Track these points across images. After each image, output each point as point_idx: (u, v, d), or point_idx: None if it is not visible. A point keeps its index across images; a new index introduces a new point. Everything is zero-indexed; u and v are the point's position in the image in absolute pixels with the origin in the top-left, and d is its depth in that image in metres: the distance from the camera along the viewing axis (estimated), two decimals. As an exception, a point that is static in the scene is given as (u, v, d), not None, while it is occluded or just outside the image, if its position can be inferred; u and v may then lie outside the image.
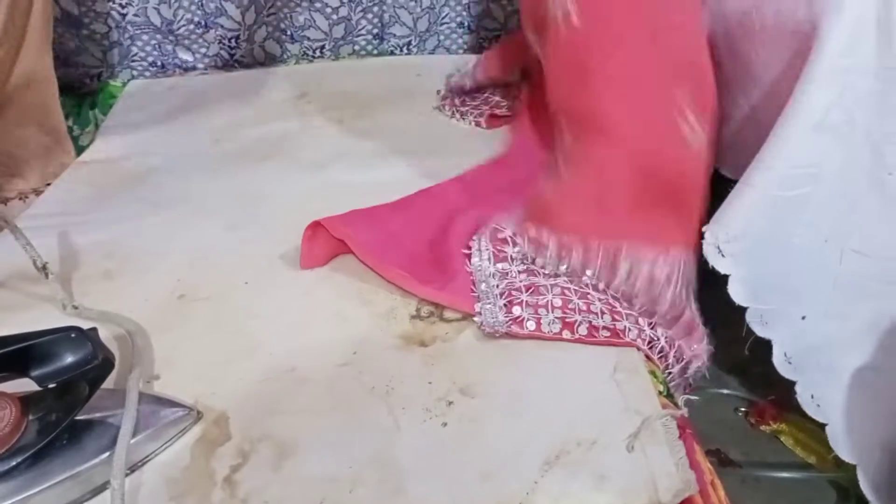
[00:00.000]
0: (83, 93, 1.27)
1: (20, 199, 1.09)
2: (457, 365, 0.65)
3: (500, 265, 0.72)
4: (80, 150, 1.15)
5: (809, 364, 0.82)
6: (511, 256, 0.73)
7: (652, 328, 0.71)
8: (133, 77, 1.29)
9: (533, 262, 0.74)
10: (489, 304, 0.68)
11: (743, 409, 0.96)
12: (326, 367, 0.65)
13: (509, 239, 0.75)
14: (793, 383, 0.83)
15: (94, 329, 0.56)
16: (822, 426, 0.83)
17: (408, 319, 0.70)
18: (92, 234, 0.85)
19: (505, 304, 0.68)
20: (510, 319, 0.67)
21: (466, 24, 1.33)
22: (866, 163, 0.77)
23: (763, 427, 0.93)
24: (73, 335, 0.53)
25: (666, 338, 0.71)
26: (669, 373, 0.72)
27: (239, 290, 0.75)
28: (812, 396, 0.82)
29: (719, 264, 0.78)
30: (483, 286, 0.70)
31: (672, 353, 0.71)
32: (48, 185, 1.08)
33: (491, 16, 1.33)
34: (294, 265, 0.78)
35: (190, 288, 0.75)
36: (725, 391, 0.97)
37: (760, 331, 0.82)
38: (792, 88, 0.76)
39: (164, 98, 1.22)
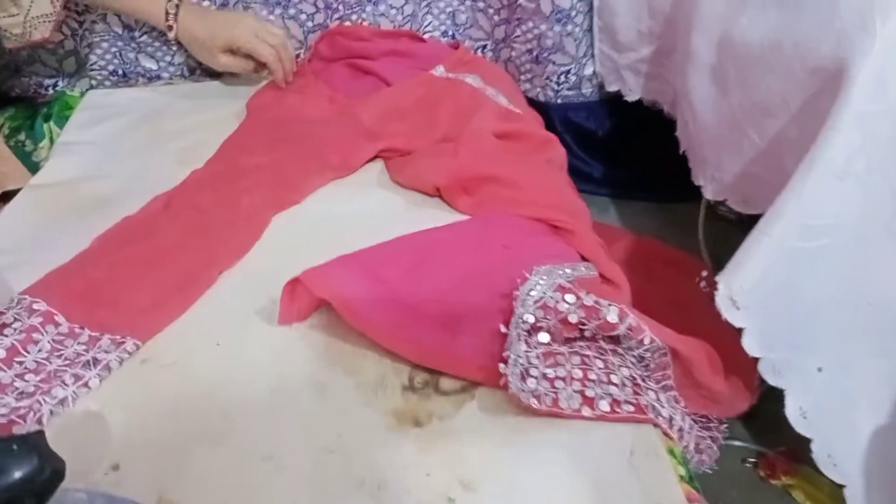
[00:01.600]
0: (37, 104, 1.16)
1: (-36, 227, 1.00)
2: (457, 451, 0.58)
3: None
4: (32, 166, 1.06)
5: (826, 420, 0.78)
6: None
7: (671, 405, 0.65)
8: (92, 86, 1.19)
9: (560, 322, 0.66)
10: (517, 366, 0.61)
11: (752, 460, 0.91)
12: (308, 454, 0.57)
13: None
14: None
15: (40, 434, 0.48)
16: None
17: (399, 391, 0.63)
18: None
19: (521, 373, 0.61)
20: (528, 392, 0.60)
21: (451, 33, 1.25)
22: (886, 213, 0.72)
23: (774, 481, 0.88)
24: (14, 447, 0.45)
25: (684, 417, 0.65)
26: (685, 448, 0.66)
27: (210, 354, 0.67)
28: (829, 455, 0.77)
29: (733, 317, 0.74)
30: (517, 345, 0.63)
31: (687, 434, 0.65)
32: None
33: (477, 25, 1.25)
34: (270, 321, 0.70)
35: (154, 350, 0.67)
36: (736, 443, 0.92)
37: (773, 380, 0.78)
38: (813, 127, 0.70)
39: (125, 110, 1.13)
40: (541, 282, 0.67)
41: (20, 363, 0.64)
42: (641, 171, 1.32)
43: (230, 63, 1.09)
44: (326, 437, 0.59)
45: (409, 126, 0.99)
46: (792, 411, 0.77)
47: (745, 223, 1.27)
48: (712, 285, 1.18)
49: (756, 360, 0.85)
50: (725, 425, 0.93)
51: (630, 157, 1.31)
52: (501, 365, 0.61)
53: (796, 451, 0.88)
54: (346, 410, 0.61)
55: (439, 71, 1.10)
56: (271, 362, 0.66)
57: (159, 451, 0.58)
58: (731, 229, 1.27)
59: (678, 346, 0.70)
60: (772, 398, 0.80)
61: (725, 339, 0.85)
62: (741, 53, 0.81)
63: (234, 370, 0.65)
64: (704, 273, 1.19)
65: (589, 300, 0.66)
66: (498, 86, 1.09)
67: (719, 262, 1.19)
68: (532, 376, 0.62)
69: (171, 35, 1.07)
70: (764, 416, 0.94)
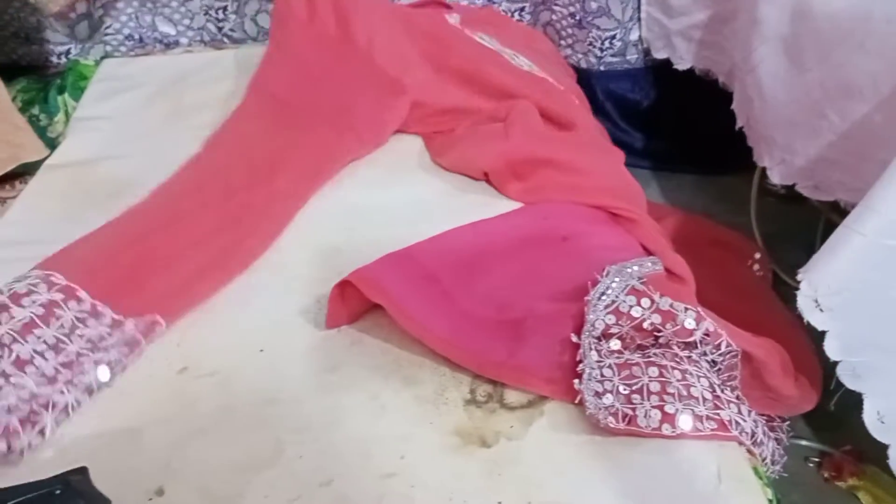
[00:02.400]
0: (50, 74, 1.10)
1: (-21, 207, 0.95)
2: (529, 475, 0.53)
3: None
4: (48, 142, 1.00)
5: (905, 426, 0.72)
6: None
7: (751, 416, 0.60)
8: (106, 54, 1.13)
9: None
10: (592, 381, 0.56)
11: (815, 460, 0.86)
12: (370, 479, 0.53)
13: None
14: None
15: (82, 471, 0.43)
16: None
17: (461, 405, 0.58)
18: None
19: (594, 388, 0.56)
20: (605, 410, 0.55)
21: (487, -5, 1.17)
22: None
23: (839, 482, 0.83)
24: (57, 491, 0.41)
25: (765, 431, 0.60)
26: (763, 461, 0.61)
27: (253, 362, 0.62)
28: (907, 463, 0.72)
29: (815, 319, 0.68)
30: (592, 357, 0.58)
31: (766, 447, 0.61)
32: (6, 188, 0.95)
33: (515, -13, 1.17)
34: (316, 323, 0.65)
35: (193, 357, 0.62)
36: (802, 441, 0.87)
37: (852, 384, 0.72)
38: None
39: (143, 80, 1.07)
40: (613, 284, 0.61)
41: (38, 337, 0.58)
42: (685, 143, 1.25)
43: None
44: (388, 461, 0.54)
45: (426, 74, 0.93)
46: (869, 416, 0.72)
47: (795, 200, 1.21)
48: (766, 269, 1.13)
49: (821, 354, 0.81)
50: (787, 423, 0.88)
51: (674, 127, 1.24)
52: (576, 381, 0.56)
53: (862, 450, 0.83)
54: (406, 429, 0.56)
55: (454, 19, 1.03)
56: (320, 373, 0.61)
57: (206, 473, 0.53)
58: (779, 205, 1.21)
59: (752, 349, 0.65)
60: (831, 395, 0.76)
61: (784, 329, 0.80)
62: (822, 26, 0.74)
63: (280, 382, 0.60)
64: (758, 255, 1.13)
65: (664, 304, 0.61)
66: (517, 47, 1.02)
67: (769, 240, 1.14)
68: (608, 391, 0.57)
69: None
70: (826, 412, 0.89)
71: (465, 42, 0.98)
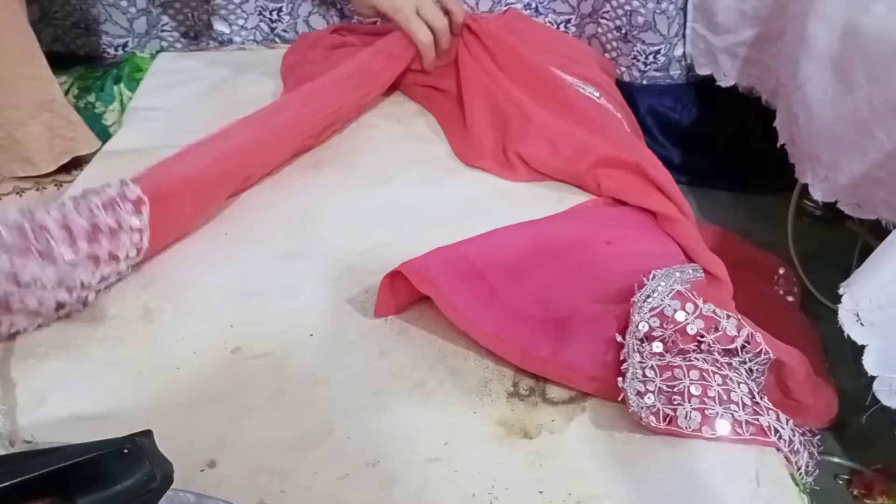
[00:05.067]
0: (107, 64, 1.14)
1: (37, 191, 0.98)
2: (570, 468, 0.54)
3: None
4: (102, 129, 1.04)
5: (941, 446, 0.73)
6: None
7: (789, 424, 0.61)
8: (162, 48, 1.16)
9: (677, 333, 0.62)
10: (635, 380, 0.57)
11: (845, 477, 0.86)
12: (415, 463, 0.54)
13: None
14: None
15: (148, 434, 0.45)
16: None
17: (504, 398, 0.59)
18: (123, 255, 0.73)
19: (637, 391, 0.57)
20: (647, 409, 0.56)
21: (534, 6, 1.19)
22: None
23: (868, 501, 0.83)
24: (126, 450, 0.43)
25: (801, 440, 0.61)
26: (798, 471, 0.62)
27: (304, 346, 0.64)
28: (942, 483, 0.72)
29: (856, 333, 0.68)
30: (634, 357, 0.59)
31: (801, 456, 0.62)
32: (62, 174, 0.98)
33: (563, -2, 1.19)
34: (364, 312, 0.67)
35: (245, 338, 0.64)
36: (834, 458, 0.87)
37: (888, 401, 0.72)
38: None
39: (197, 76, 1.10)
40: (658, 288, 0.63)
41: None
42: (724, 160, 1.26)
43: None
44: (432, 446, 0.55)
45: None
46: (905, 434, 0.72)
47: (832, 221, 1.22)
48: (790, 285, 1.14)
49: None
50: (818, 437, 0.89)
51: (713, 144, 1.25)
52: (620, 379, 0.57)
53: (894, 469, 0.84)
54: (450, 417, 0.58)
55: None
56: (368, 360, 0.63)
57: (257, 449, 0.55)
58: (816, 226, 1.21)
59: (786, 357, 0.66)
60: (863, 411, 0.76)
61: (803, 347, 0.80)
62: (873, 46, 0.75)
63: (330, 365, 0.62)
64: (782, 270, 1.13)
65: (707, 309, 0.62)
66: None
67: (805, 261, 1.15)
68: (649, 391, 0.58)
69: None
70: (855, 428, 0.89)
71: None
